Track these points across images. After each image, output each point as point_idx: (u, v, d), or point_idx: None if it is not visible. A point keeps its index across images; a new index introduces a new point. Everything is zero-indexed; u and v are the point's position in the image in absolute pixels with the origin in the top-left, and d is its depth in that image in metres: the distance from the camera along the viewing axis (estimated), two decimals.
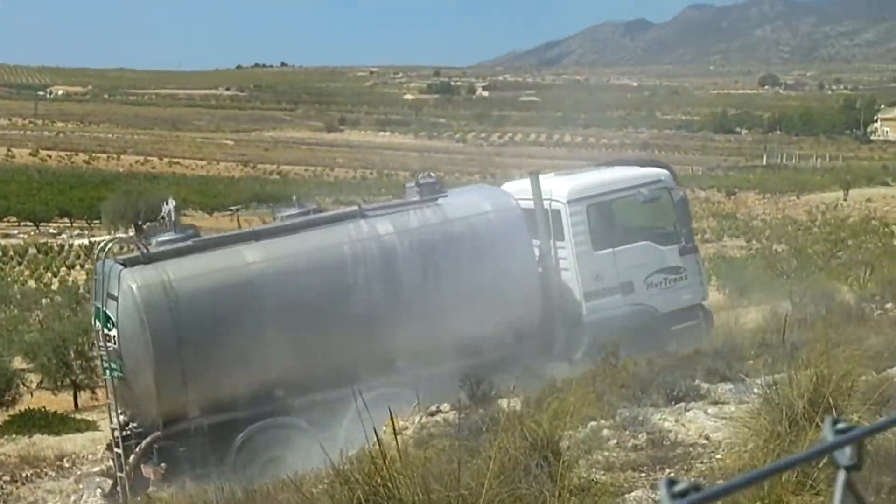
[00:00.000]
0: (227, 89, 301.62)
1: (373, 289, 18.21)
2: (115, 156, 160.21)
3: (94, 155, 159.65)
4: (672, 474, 9.17)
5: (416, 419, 14.91)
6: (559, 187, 20.24)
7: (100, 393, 25.05)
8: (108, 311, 17.43)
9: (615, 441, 10.47)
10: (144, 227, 18.75)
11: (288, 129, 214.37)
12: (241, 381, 17.45)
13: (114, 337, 17.37)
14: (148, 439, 17.26)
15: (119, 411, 17.71)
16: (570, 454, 8.35)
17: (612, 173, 21.76)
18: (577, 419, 9.86)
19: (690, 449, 10.02)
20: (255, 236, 18.55)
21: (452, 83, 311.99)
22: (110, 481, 18.18)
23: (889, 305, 20.25)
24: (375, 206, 20.14)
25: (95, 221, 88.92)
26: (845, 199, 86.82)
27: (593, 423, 11.06)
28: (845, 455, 2.65)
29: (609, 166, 23.08)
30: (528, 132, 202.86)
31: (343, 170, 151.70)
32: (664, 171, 21.42)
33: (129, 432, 17.51)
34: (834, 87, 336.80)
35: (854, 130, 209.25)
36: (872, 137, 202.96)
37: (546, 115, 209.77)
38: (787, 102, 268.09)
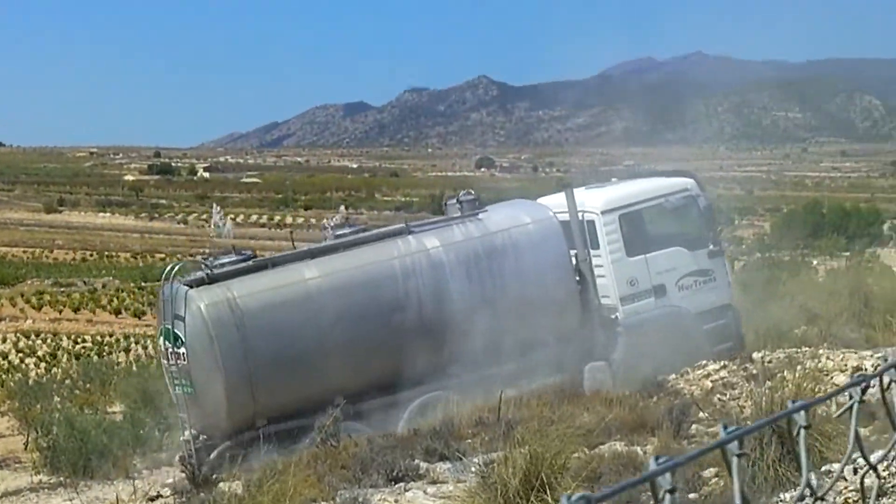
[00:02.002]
0: None
1: (422, 299, 19.57)
2: None
3: None
4: None
5: None
6: (593, 199, 21.63)
7: None
8: (176, 331, 18.49)
9: None
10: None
11: (5, 209, 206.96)
12: (303, 390, 18.56)
13: (183, 354, 18.47)
14: (220, 448, 18.20)
15: (188, 425, 18.66)
16: None
17: (642, 184, 23.22)
18: (297, 501, 9.73)
19: None
20: (311, 255, 19.77)
21: (173, 164, 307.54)
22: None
23: None
24: (421, 223, 21.42)
25: None
26: None
27: None
28: None
29: (638, 178, 24.72)
30: (249, 213, 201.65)
31: (63, 251, 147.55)
32: (690, 181, 22.58)
33: (199, 444, 18.43)
34: (547, 170, 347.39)
35: None
36: None
37: (267, 197, 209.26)
38: (502, 184, 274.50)
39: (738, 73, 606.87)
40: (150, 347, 72.68)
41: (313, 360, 18.83)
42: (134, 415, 25.42)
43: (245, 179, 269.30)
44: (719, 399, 16.52)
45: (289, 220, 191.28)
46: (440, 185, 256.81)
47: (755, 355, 17.94)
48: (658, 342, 19.78)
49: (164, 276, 19.65)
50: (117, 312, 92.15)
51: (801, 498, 1.29)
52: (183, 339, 18.45)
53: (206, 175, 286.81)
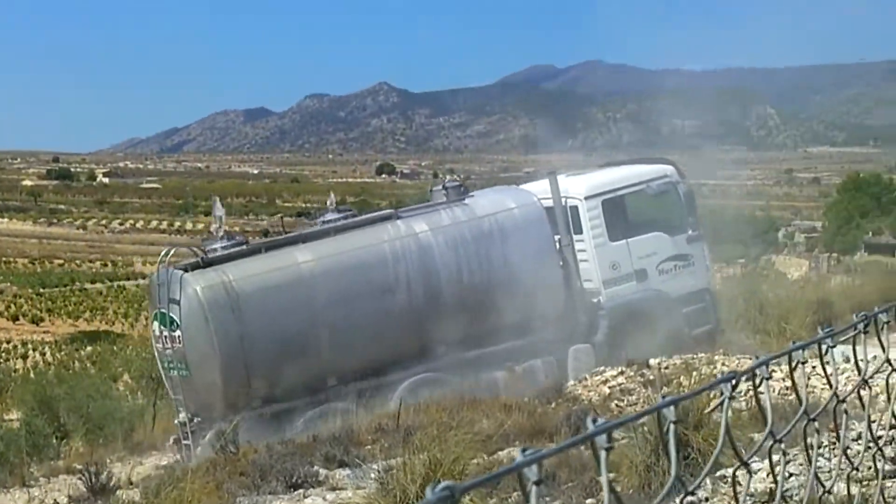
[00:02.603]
0: None
1: (412, 282, 19.95)
2: None
3: None
4: None
5: None
6: (576, 185, 22.08)
7: None
8: (171, 315, 18.77)
9: None
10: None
11: None
12: (297, 372, 18.95)
13: (178, 337, 18.75)
14: (215, 429, 18.15)
15: (182, 408, 18.98)
16: None
17: (623, 171, 23.60)
18: None
19: None
20: (303, 239, 20.15)
21: (72, 169, 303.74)
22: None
23: None
24: (409, 208, 21.78)
25: None
26: None
27: None
28: None
29: (618, 165, 24.97)
30: (149, 219, 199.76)
31: None
32: (669, 167, 23.11)
33: (194, 427, 18.71)
34: (448, 177, 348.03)
35: None
36: None
37: (167, 203, 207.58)
38: (403, 191, 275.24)
39: (636, 81, 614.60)
40: (49, 353, 71.90)
41: (306, 341, 19.18)
42: (31, 422, 25.11)
43: (145, 185, 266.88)
44: (617, 405, 16.68)
45: (189, 225, 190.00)
46: (341, 191, 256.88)
47: (652, 361, 18.16)
48: (639, 325, 20.44)
49: (158, 260, 19.94)
50: (14, 318, 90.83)
51: (669, 495, 1.30)
52: (178, 322, 18.73)
53: (106, 180, 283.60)
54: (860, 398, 1.81)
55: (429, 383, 19.20)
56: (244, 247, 19.88)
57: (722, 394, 1.45)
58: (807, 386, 1.85)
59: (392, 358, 19.36)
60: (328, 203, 21.52)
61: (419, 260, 20.09)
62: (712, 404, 9.03)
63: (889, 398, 1.90)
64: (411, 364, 19.53)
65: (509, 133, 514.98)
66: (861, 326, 1.79)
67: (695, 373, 16.05)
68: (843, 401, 1.83)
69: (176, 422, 19.47)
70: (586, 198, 21.76)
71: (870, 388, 1.86)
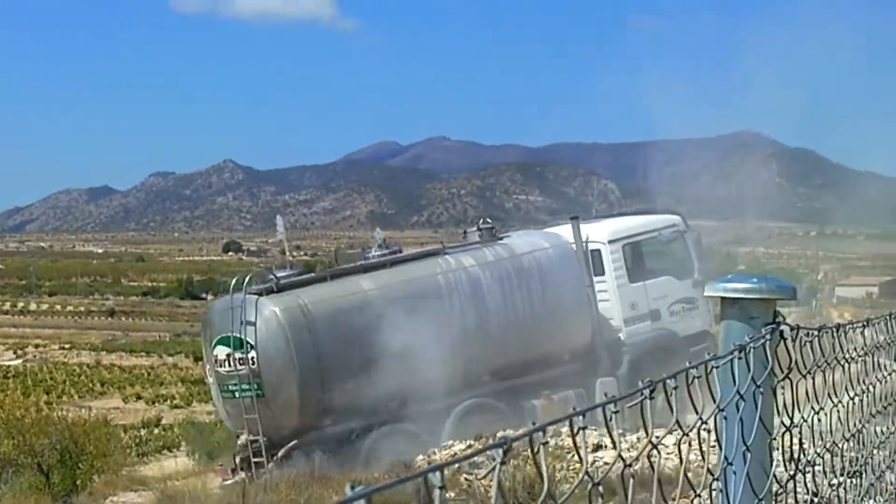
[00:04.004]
0: None
1: (464, 311, 21.20)
2: None
3: None
4: None
5: None
6: (599, 230, 24.04)
7: None
8: (244, 337, 19.58)
9: None
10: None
11: None
12: (365, 393, 19.96)
13: (252, 359, 19.57)
14: (289, 446, 19.44)
15: (242, 430, 19.91)
16: None
17: (639, 218, 25.79)
18: None
19: None
20: (364, 269, 21.31)
21: None
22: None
23: None
24: (454, 245, 23.38)
25: None
26: None
27: None
28: None
29: (630, 215, 27.17)
30: None
31: None
32: (677, 217, 25.34)
33: (257, 446, 19.53)
34: (295, 254, 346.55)
35: None
36: None
37: (10, 283, 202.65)
38: (250, 268, 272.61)
39: (479, 156, 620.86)
40: None
41: (373, 363, 20.07)
42: None
43: None
44: (465, 479, 16.93)
45: (33, 306, 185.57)
46: (187, 270, 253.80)
47: (499, 434, 18.49)
48: (655, 362, 21.14)
49: (231, 287, 20.45)
50: None
51: None
52: (253, 344, 19.54)
53: None
54: (650, 462, 2.01)
55: (480, 409, 20.61)
56: (311, 274, 21.56)
57: (494, 459, 1.47)
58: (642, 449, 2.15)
59: (445, 383, 20.39)
60: (374, 237, 23.56)
61: (470, 291, 21.54)
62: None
63: (680, 461, 2.16)
64: (462, 390, 20.66)
65: (355, 209, 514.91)
66: (647, 392, 2.05)
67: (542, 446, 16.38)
68: (630, 465, 1.89)
69: (239, 443, 20.23)
70: (609, 241, 23.81)
71: (658, 452, 2.07)
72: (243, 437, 20.04)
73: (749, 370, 2.50)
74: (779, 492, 2.69)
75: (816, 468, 3.15)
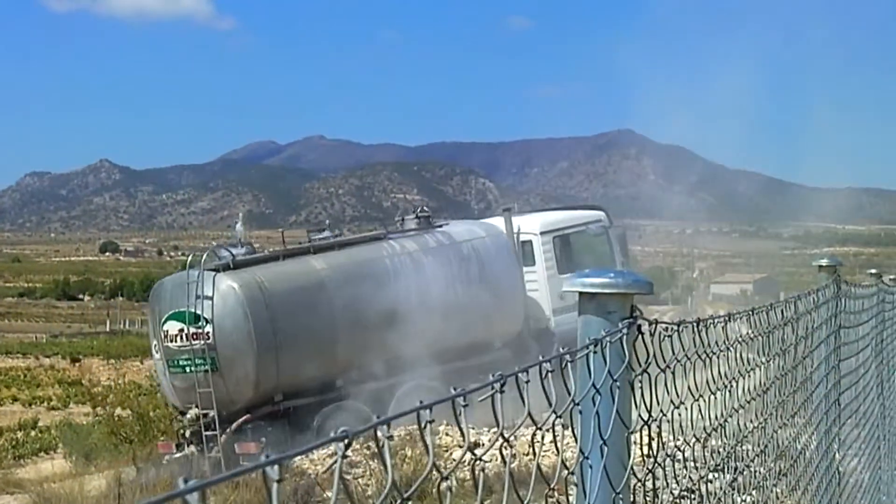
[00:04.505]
0: None
1: (409, 295, 21.38)
2: None
3: None
4: None
5: None
6: (530, 222, 24.99)
7: None
8: (199, 312, 19.76)
9: None
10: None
11: None
12: (315, 370, 20.45)
13: (207, 333, 19.74)
14: (240, 420, 19.74)
15: (190, 405, 20.05)
16: None
17: (567, 213, 26.82)
18: None
19: None
20: (313, 250, 21.69)
21: None
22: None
23: None
24: (395, 231, 23.53)
25: None
26: None
27: None
28: None
29: (556, 209, 28.11)
30: None
31: None
32: (602, 213, 26.43)
33: (208, 421, 19.73)
34: (172, 254, 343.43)
35: None
36: None
37: None
38: (128, 269, 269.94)
39: (357, 155, 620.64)
40: None
41: (326, 341, 20.66)
42: None
43: None
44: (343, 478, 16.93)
45: None
46: (64, 271, 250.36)
47: (379, 434, 18.51)
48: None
49: (187, 264, 20.63)
50: None
51: None
52: (209, 318, 19.75)
53: None
54: (502, 456, 2.01)
55: (420, 391, 20.37)
56: (264, 252, 22.01)
57: (336, 453, 1.45)
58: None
59: (390, 364, 20.95)
60: (236, 231, 23.41)
61: (415, 275, 21.99)
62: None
63: (534, 454, 2.17)
64: (405, 371, 21.06)
65: (233, 209, 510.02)
66: (497, 386, 2.04)
67: (419, 443, 16.42)
68: (481, 458, 1.89)
69: (188, 417, 20.27)
70: (541, 233, 24.77)
71: (511, 446, 2.07)
72: (192, 413, 20.14)
73: (605, 364, 2.51)
74: (636, 486, 2.70)
75: (678, 462, 3.18)
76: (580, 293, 2.69)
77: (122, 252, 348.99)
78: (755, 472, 4.41)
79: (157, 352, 21.28)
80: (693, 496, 3.38)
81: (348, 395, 20.74)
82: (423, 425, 1.70)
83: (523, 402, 2.05)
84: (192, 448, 20.40)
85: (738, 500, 4.03)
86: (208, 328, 19.86)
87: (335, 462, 1.40)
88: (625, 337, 2.58)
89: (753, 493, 4.41)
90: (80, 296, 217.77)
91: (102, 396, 71.56)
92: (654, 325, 2.79)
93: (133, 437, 37.33)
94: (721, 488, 3.75)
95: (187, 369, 20.19)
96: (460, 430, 1.80)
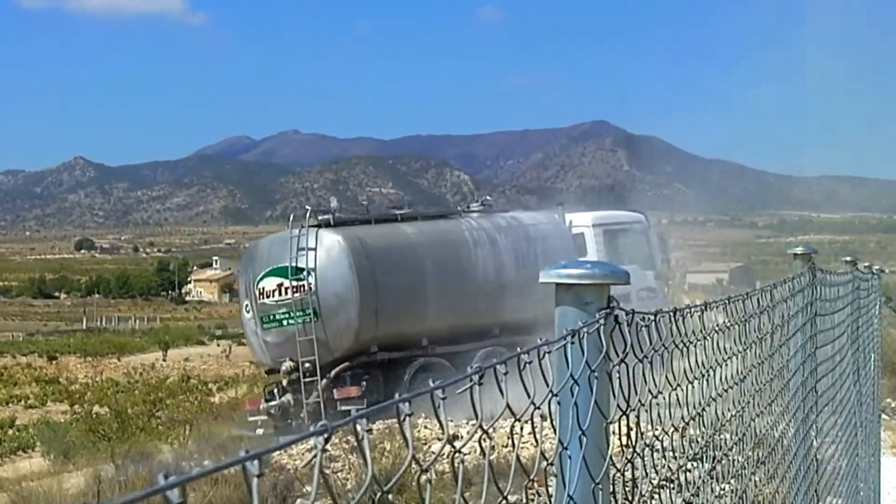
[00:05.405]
0: None
1: (487, 267, 23.01)
2: None
3: None
4: None
5: None
6: (582, 216, 26.79)
7: None
8: (306, 265, 21.18)
9: None
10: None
11: None
12: (407, 325, 21.86)
13: (308, 285, 21.17)
14: (340, 367, 21.07)
15: (283, 359, 21.37)
16: None
17: (613, 212, 29.03)
18: None
19: None
20: (400, 218, 23.33)
21: None
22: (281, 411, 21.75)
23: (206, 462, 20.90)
24: (469, 209, 25.38)
25: None
26: (165, 360, 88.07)
27: None
28: None
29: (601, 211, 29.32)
30: None
31: None
32: (642, 215, 28.43)
33: (307, 369, 21.03)
34: (148, 251, 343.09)
35: (170, 292, 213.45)
36: (188, 298, 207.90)
37: None
38: (104, 266, 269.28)
39: (332, 149, 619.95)
40: None
41: (417, 298, 22.07)
42: None
43: None
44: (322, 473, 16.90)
45: None
46: (39, 269, 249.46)
47: (358, 428, 18.53)
48: None
49: (290, 222, 21.91)
50: None
51: None
52: (313, 268, 21.11)
53: None
54: (482, 448, 2.00)
55: (497, 356, 21.50)
56: (357, 216, 23.14)
57: (316, 447, 1.44)
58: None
59: (468, 329, 22.28)
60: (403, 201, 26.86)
61: (491, 249, 23.59)
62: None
63: (513, 445, 2.17)
64: (482, 338, 22.30)
65: (209, 205, 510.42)
66: (476, 378, 2.03)
67: (398, 436, 16.41)
68: (460, 451, 1.89)
69: (283, 369, 21.46)
70: (593, 226, 26.51)
71: (490, 437, 2.07)
72: (286, 365, 21.29)
73: (583, 355, 2.51)
74: (615, 476, 2.71)
75: (657, 452, 3.19)
76: (557, 284, 2.69)
77: (98, 249, 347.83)
78: (733, 460, 4.42)
79: (247, 311, 22.46)
80: (672, 485, 3.39)
81: (434, 353, 22.03)
82: (402, 418, 1.73)
83: (502, 394, 2.06)
84: (289, 397, 21.59)
85: (717, 488, 4.04)
86: (311, 279, 21.16)
87: (315, 456, 1.44)
88: (602, 327, 2.59)
89: (732, 481, 4.42)
90: (57, 294, 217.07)
91: (80, 394, 71.59)
92: (631, 316, 2.80)
93: (111, 434, 37.30)
94: (700, 477, 3.76)
95: (284, 322, 21.52)
96: (439, 422, 1.80)
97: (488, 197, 27.50)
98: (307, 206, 23.85)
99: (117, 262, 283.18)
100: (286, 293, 21.42)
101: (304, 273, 21.16)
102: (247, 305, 22.46)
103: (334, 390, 20.95)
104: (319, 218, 22.08)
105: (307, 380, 21.05)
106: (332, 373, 20.95)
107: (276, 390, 22.21)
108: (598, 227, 26.62)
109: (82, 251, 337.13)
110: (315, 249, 21.19)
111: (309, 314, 21.21)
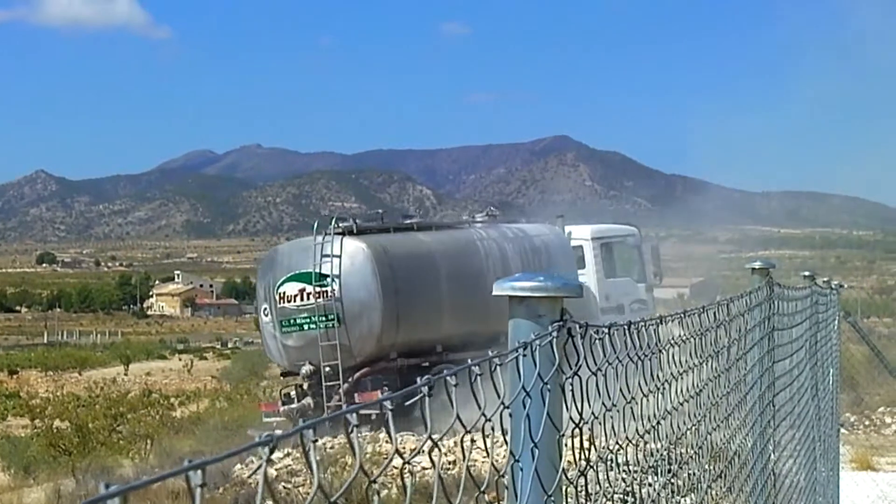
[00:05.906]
0: None
1: (496, 276, 22.19)
2: None
3: None
4: None
5: None
6: (581, 230, 27.39)
7: None
8: (330, 271, 21.59)
9: None
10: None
11: None
12: (425, 332, 22.35)
13: (332, 291, 21.58)
14: (360, 372, 21.51)
15: (303, 362, 21.73)
16: None
17: (608, 225, 29.66)
18: None
19: None
20: (416, 227, 24.09)
21: None
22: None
23: None
24: (476, 220, 26.22)
25: None
26: (126, 374, 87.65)
27: None
28: None
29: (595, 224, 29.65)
30: None
31: None
32: (635, 229, 29.14)
33: (328, 373, 21.36)
34: (110, 265, 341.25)
35: (132, 306, 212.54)
36: (149, 312, 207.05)
37: None
38: (65, 280, 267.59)
39: (294, 164, 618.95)
40: None
41: (434, 305, 22.61)
42: None
43: None
44: (284, 487, 16.86)
45: None
46: (1, 282, 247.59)
47: (319, 443, 18.50)
48: None
49: (315, 229, 22.34)
50: None
51: None
52: (338, 274, 21.51)
53: None
54: (431, 460, 2.00)
55: None
56: (375, 224, 23.79)
57: (261, 458, 1.44)
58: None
59: (480, 336, 21.60)
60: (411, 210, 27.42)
61: (500, 257, 24.13)
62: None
63: (464, 457, 2.17)
64: (491, 345, 21.85)
65: (171, 219, 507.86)
66: (426, 390, 2.03)
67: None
68: (409, 462, 1.90)
69: (302, 372, 21.85)
70: (592, 239, 27.04)
71: (439, 448, 2.06)
72: (305, 368, 21.69)
73: (535, 367, 2.52)
74: (569, 489, 2.72)
75: (611, 465, 3.20)
76: (510, 297, 2.70)
77: (60, 263, 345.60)
78: (690, 474, 4.43)
79: (266, 315, 22.78)
80: (628, 498, 3.40)
81: (448, 360, 22.05)
82: (349, 430, 1.74)
83: (451, 405, 2.06)
84: (309, 400, 21.91)
85: (673, 502, 4.05)
86: (334, 285, 21.55)
87: (259, 467, 1.44)
88: (554, 340, 2.60)
89: (691, 495, 4.43)
90: (18, 308, 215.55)
91: (41, 408, 71.00)
92: (584, 328, 2.81)
93: (72, 448, 37.05)
94: (656, 490, 3.77)
95: (305, 327, 21.88)
96: (388, 433, 1.80)
97: (493, 207, 28.45)
98: (332, 214, 24.43)
99: (79, 276, 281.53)
100: (308, 298, 21.85)
101: (328, 279, 21.64)
102: (265, 309, 22.85)
103: (355, 395, 21.14)
104: (342, 225, 22.46)
105: (328, 384, 21.43)
106: (354, 377, 21.37)
107: (293, 393, 22.57)
108: (596, 240, 27.26)
109: (44, 265, 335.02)
110: (339, 256, 21.65)
111: (332, 319, 21.65)
